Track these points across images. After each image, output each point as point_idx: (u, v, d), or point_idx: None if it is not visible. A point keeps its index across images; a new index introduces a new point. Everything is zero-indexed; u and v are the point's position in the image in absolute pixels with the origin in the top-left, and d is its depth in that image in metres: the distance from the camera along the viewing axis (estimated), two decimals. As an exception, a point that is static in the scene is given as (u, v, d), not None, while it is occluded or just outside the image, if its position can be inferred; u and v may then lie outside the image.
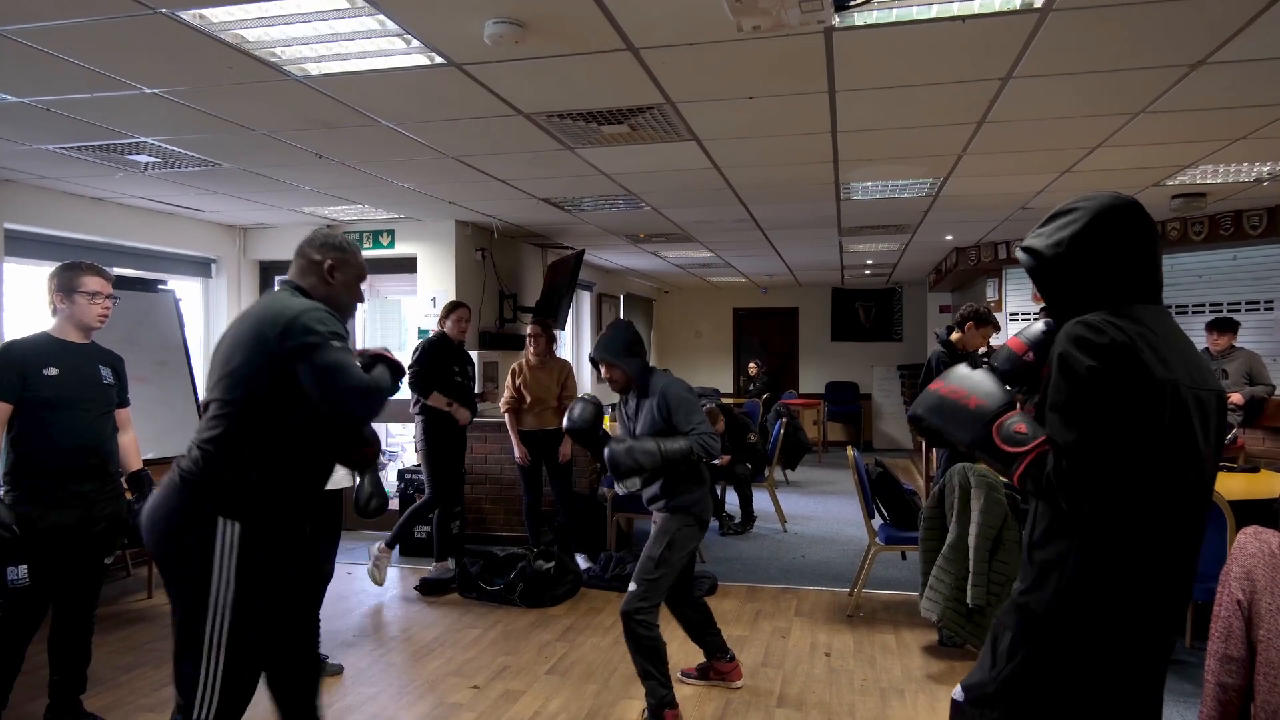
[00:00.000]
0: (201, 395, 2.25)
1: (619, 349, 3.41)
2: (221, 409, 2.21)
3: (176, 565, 2.19)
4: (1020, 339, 1.95)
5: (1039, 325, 1.96)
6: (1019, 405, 1.96)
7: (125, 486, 3.42)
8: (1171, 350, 1.59)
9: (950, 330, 5.11)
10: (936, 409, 1.74)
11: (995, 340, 6.42)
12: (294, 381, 2.15)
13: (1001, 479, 3.80)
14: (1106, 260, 1.64)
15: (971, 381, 1.72)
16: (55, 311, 3.18)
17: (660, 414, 3.32)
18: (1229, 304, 6.67)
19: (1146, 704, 1.68)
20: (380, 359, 2.40)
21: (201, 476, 2.18)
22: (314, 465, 2.36)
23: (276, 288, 2.46)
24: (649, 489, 3.43)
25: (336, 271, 2.42)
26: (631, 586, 3.26)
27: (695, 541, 3.41)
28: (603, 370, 3.45)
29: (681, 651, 3.85)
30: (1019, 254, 1.77)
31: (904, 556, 5.38)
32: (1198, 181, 5.35)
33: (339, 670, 3.95)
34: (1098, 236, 1.65)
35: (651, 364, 3.58)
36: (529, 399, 5.59)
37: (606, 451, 3.29)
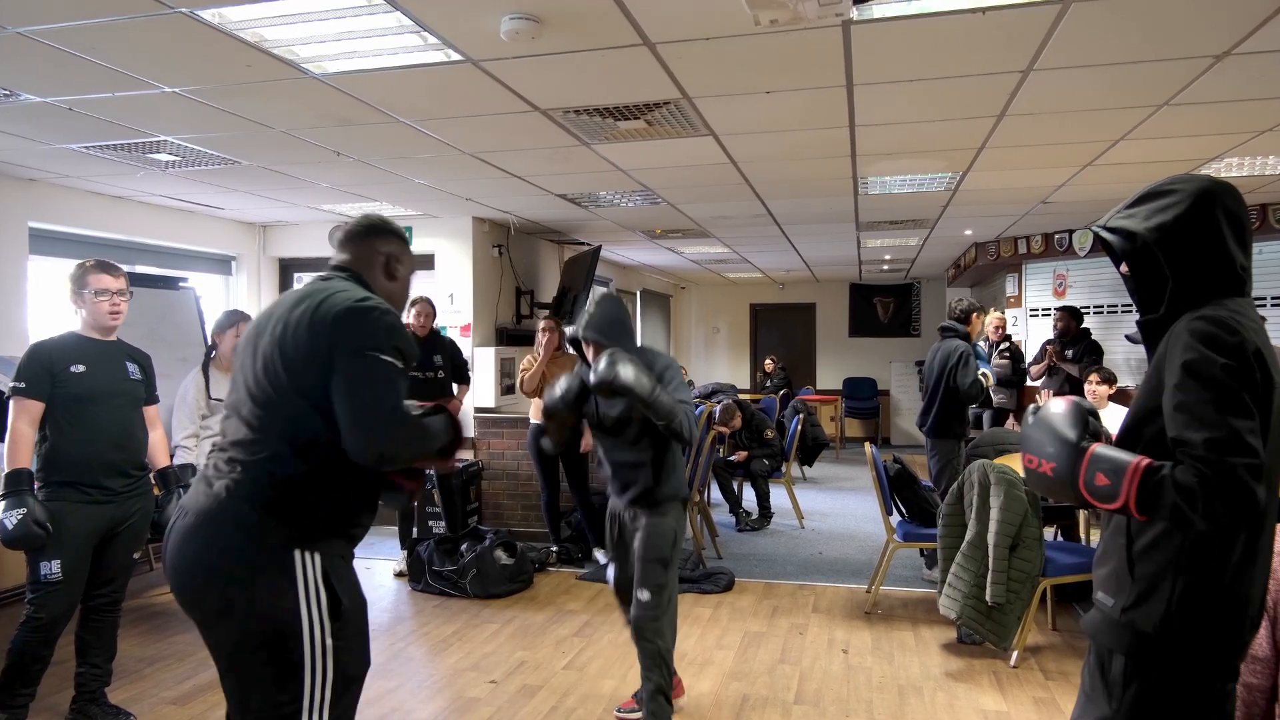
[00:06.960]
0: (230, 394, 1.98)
1: (616, 329, 2.99)
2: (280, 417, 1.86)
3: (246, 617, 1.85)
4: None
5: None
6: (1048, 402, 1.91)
7: (154, 483, 3.46)
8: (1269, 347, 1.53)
9: (962, 322, 5.29)
10: (1038, 485, 1.65)
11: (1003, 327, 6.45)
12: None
13: (1020, 474, 3.76)
14: (1209, 247, 1.56)
15: (1034, 444, 1.62)
16: (76, 311, 3.23)
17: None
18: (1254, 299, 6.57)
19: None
20: (441, 411, 2.04)
21: (269, 501, 1.83)
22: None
23: (327, 275, 2.03)
24: (635, 487, 3.06)
25: (400, 266, 2.08)
26: (643, 595, 2.96)
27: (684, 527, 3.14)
28: (591, 351, 2.99)
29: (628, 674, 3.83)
30: (1102, 233, 1.67)
31: (923, 553, 5.35)
32: (1222, 175, 5.28)
33: None
34: (1200, 221, 1.56)
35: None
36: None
37: (607, 356, 2.75)
